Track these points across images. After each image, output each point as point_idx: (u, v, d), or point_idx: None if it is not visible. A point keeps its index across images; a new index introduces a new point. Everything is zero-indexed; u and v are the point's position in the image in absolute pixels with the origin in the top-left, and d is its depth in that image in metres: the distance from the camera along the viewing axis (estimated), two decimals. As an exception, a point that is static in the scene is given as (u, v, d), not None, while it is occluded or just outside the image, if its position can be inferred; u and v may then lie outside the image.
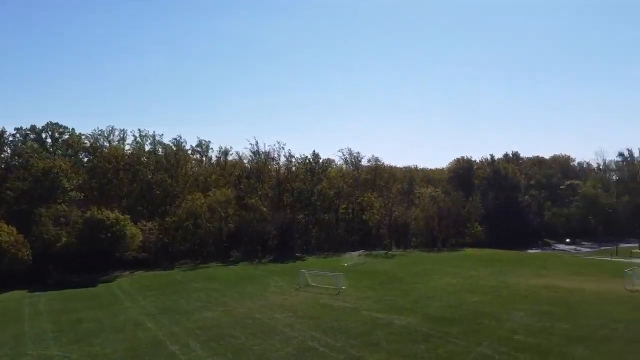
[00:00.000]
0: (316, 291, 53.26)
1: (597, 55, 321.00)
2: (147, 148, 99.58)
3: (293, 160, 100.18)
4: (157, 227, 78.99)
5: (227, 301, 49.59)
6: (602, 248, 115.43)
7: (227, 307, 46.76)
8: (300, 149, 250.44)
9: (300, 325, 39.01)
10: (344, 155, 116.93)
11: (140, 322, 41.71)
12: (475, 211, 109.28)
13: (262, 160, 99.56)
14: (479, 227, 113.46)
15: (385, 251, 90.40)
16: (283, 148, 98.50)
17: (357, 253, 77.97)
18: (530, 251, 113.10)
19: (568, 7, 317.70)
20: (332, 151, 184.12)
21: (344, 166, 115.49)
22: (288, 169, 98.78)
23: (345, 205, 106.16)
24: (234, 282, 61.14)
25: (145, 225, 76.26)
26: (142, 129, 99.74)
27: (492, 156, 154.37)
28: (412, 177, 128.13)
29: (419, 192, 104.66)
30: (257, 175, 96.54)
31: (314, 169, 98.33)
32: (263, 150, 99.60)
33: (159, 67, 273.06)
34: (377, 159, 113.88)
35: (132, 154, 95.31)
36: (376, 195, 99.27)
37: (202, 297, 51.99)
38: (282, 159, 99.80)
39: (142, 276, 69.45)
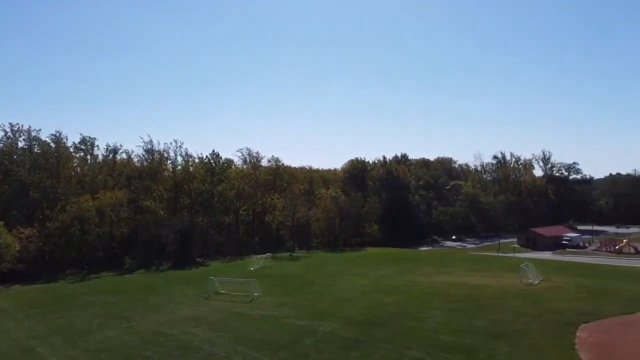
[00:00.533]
0: (228, 299, 50.18)
1: (469, 70, 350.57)
2: (21, 145, 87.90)
3: (190, 160, 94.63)
4: (36, 234, 69.80)
5: (130, 316, 44.68)
6: (485, 244, 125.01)
7: (131, 323, 42.05)
8: (198, 149, 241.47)
9: (220, 340, 36.04)
10: (243, 155, 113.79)
11: (29, 347, 35.77)
12: (374, 211, 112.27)
13: (156, 160, 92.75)
14: (375, 226, 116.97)
15: (289, 253, 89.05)
16: (180, 146, 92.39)
17: (263, 256, 75.57)
18: (422, 248, 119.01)
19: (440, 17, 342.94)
20: (230, 151, 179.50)
21: (244, 167, 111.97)
22: (185, 169, 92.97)
23: (245, 207, 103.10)
24: (133, 294, 55.62)
25: (22, 233, 67.00)
26: (14, 122, 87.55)
27: (384, 157, 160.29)
28: (311, 178, 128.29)
29: (320, 193, 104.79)
30: (151, 175, 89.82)
31: (213, 169, 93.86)
32: (158, 149, 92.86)
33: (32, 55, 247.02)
34: (277, 160, 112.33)
35: (2, 150, 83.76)
36: (278, 197, 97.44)
37: (100, 313, 46.31)
38: (179, 159, 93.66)
39: (21, 291, 60.73)
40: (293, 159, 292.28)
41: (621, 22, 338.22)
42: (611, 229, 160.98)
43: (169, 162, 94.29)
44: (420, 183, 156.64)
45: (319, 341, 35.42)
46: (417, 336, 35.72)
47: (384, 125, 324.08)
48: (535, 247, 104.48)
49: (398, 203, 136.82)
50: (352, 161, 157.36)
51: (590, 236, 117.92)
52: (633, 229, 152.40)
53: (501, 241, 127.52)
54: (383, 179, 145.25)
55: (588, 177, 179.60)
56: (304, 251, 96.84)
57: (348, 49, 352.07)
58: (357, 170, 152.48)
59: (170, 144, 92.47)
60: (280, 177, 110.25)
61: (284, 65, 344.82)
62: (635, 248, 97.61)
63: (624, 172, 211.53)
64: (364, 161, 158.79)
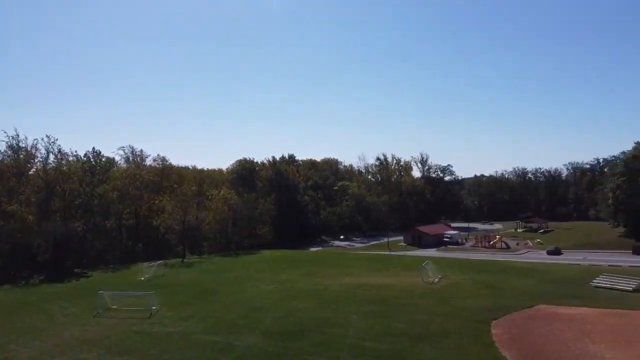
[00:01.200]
0: (122, 316, 44.58)
1: (354, 73, 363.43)
2: None
3: (65, 158, 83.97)
4: None
5: (2, 344, 37.42)
6: (372, 242, 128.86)
7: (7, 352, 35.26)
8: (76, 147, 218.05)
9: (124, 366, 31.40)
10: (125, 153, 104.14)
11: None
12: (267, 212, 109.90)
13: (23, 158, 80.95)
14: (266, 228, 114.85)
15: (181, 258, 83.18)
16: (53, 143, 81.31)
17: (154, 264, 69.36)
18: (312, 249, 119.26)
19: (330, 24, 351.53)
20: (111, 149, 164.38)
21: (126, 166, 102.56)
22: (58, 168, 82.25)
23: (128, 210, 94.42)
24: (2, 315, 47.10)
25: None
26: None
27: (273, 158, 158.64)
28: (201, 179, 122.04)
29: (211, 194, 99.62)
30: (17, 175, 78.21)
31: (94, 168, 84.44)
32: (25, 145, 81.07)
33: None
34: (163, 159, 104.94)
35: None
36: (168, 199, 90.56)
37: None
38: (51, 157, 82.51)
39: None
40: (180, 159, 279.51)
41: (476, 40, 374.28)
42: (478, 225, 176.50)
43: (37, 160, 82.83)
44: (309, 184, 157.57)
45: (239, 358, 32.48)
46: (343, 344, 34.42)
47: (271, 125, 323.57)
48: (420, 244, 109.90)
49: (288, 204, 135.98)
50: (240, 161, 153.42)
51: (466, 233, 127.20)
52: (497, 225, 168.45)
53: (387, 239, 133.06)
54: (273, 179, 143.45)
55: (459, 178, 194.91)
56: (195, 256, 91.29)
57: (232, 47, 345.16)
58: (245, 171, 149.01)
59: (42, 139, 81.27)
60: (167, 177, 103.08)
61: (169, 62, 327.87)
62: (506, 243, 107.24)
63: (487, 174, 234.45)
64: (252, 161, 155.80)
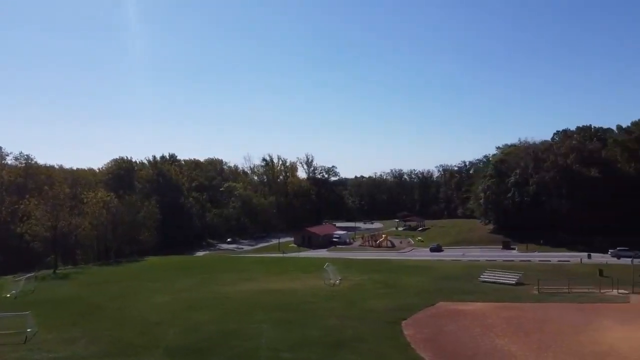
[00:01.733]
0: (-13, 343, 37.67)
1: (234, 71, 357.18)
2: None
3: None
4: None
5: None
6: (260, 245, 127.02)
7: None
8: None
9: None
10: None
11: None
12: (151, 216, 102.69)
13: None
14: (149, 232, 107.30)
15: (53, 270, 73.77)
16: None
17: (20, 277, 60.45)
18: (199, 253, 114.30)
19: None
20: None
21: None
22: None
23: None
24: None
25: None
26: None
27: (154, 157, 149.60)
28: (74, 179, 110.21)
29: (87, 197, 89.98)
30: None
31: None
32: None
33: None
34: (28, 157, 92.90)
35: None
36: (35, 202, 79.77)
37: None
38: None
39: None
40: (48, 158, 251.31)
41: (358, 41, 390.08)
42: (360, 225, 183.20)
43: None
44: (193, 185, 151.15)
45: (147, 384, 28.97)
46: (255, 357, 32.40)
47: (149, 123, 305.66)
48: (310, 245, 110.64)
49: (171, 206, 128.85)
50: (116, 161, 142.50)
51: (352, 232, 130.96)
52: (377, 224, 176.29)
53: (278, 241, 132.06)
54: (154, 180, 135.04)
55: (343, 178, 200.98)
56: (69, 267, 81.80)
57: (104, 40, 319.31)
58: (123, 171, 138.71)
59: None
60: (33, 178, 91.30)
61: (29, 52, 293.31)
62: (391, 242, 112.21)
63: (366, 175, 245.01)
64: (130, 161, 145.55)
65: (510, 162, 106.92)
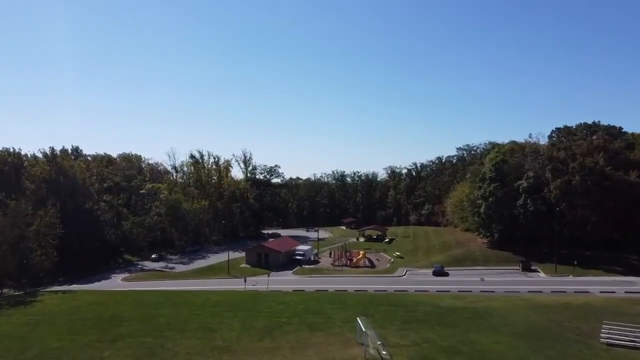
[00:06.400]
0: None
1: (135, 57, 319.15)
2: None
3: None
4: None
5: None
6: (196, 262, 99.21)
7: None
8: None
9: None
10: None
11: None
12: (48, 229, 72.09)
13: None
14: (39, 252, 76.01)
15: None
16: None
17: None
18: (117, 277, 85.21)
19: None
20: None
21: None
22: None
23: None
24: None
25: None
26: None
27: (52, 149, 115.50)
28: None
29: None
30: None
31: None
32: None
33: None
34: None
35: None
36: None
37: None
38: None
39: None
40: None
41: (293, 39, 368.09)
42: (302, 232, 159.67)
43: None
44: (105, 186, 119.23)
45: None
46: None
47: (46, 110, 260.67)
48: (268, 265, 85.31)
49: (75, 213, 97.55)
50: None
51: (309, 247, 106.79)
52: (325, 233, 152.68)
53: (212, 257, 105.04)
54: (51, 179, 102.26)
55: (288, 179, 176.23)
56: None
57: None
58: (8, 167, 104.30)
59: None
60: None
61: None
62: (370, 260, 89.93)
63: (303, 177, 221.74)
64: (19, 154, 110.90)
65: (513, 163, 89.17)
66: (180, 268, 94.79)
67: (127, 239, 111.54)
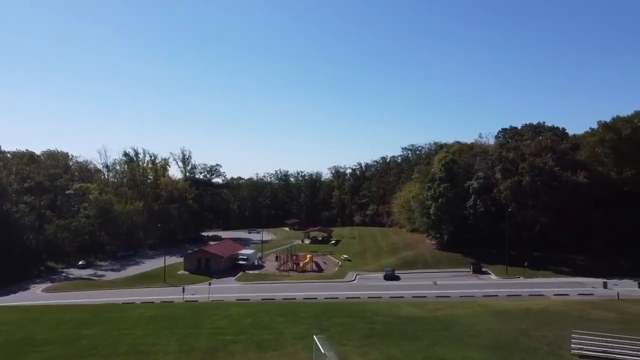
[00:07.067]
0: None
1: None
2: None
3: None
4: None
5: None
6: (129, 269, 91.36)
7: None
8: None
9: None
10: None
11: None
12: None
13: None
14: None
15: None
16: None
17: None
18: (37, 288, 76.32)
19: None
20: None
21: None
22: None
23: None
24: None
25: None
26: None
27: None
28: None
29: None
30: None
31: None
32: None
33: None
34: None
35: None
36: None
37: None
38: None
39: None
40: None
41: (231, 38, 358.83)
42: (244, 234, 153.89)
43: None
44: (26, 185, 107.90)
45: None
46: None
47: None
48: (209, 272, 79.22)
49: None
50: None
51: (253, 251, 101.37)
52: (269, 235, 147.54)
53: (146, 262, 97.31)
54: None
55: (230, 179, 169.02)
56: None
57: None
58: None
59: None
60: None
61: None
62: (317, 264, 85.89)
63: (245, 177, 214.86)
64: None
65: (462, 163, 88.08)
66: (110, 275, 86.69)
67: (50, 244, 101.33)
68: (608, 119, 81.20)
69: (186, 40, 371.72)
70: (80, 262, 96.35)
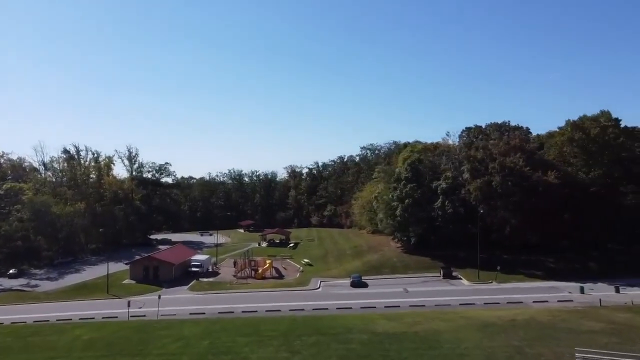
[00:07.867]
0: None
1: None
2: None
3: None
4: None
5: None
6: (68, 278, 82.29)
7: None
8: None
9: None
10: None
11: None
12: None
13: None
14: None
15: None
16: None
17: None
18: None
19: None
20: None
21: None
22: None
23: None
24: None
25: None
26: None
27: None
28: None
29: None
30: None
31: None
32: None
33: None
34: None
35: None
36: None
37: None
38: None
39: None
40: None
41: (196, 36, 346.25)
42: (194, 237, 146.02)
43: None
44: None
45: None
46: None
47: None
48: (158, 281, 71.93)
49: None
50: None
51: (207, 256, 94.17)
52: (220, 238, 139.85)
53: (88, 271, 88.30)
54: None
55: (180, 179, 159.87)
56: None
57: None
58: None
59: None
60: None
61: None
62: (277, 270, 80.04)
63: (196, 176, 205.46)
64: None
65: (428, 163, 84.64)
66: (45, 286, 77.54)
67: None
68: (572, 118, 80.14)
69: (134, 32, 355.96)
70: (11, 271, 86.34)
